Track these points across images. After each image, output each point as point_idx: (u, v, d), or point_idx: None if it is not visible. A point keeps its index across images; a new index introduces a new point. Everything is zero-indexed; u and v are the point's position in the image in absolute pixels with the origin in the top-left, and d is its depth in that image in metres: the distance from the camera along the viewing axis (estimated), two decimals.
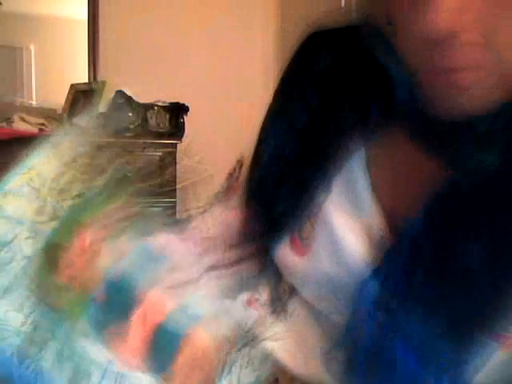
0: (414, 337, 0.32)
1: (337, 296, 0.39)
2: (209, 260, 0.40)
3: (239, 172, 0.49)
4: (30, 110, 2.12)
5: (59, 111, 2.23)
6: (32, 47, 2.33)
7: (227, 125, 2.41)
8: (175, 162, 2.10)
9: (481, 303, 0.32)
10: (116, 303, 0.35)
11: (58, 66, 2.37)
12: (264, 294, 0.44)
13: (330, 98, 0.42)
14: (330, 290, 0.40)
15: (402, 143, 0.40)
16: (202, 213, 0.47)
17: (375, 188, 0.40)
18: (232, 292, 0.40)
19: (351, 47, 0.43)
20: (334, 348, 0.37)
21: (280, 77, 0.47)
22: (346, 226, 0.40)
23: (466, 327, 0.32)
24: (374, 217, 0.39)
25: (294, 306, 0.44)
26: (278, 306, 0.43)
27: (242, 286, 0.42)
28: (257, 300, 0.43)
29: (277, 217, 0.42)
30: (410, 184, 0.39)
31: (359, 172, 0.41)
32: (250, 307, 0.42)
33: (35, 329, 0.34)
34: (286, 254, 0.42)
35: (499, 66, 0.32)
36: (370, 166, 0.41)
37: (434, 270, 0.33)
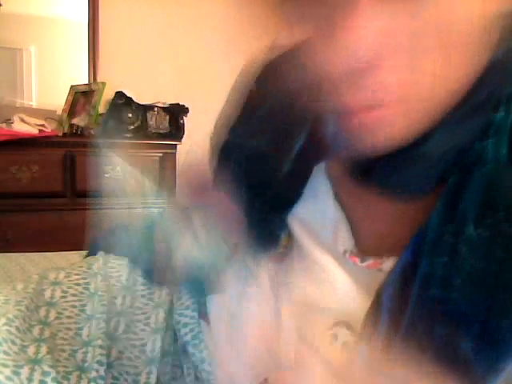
0: None
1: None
2: None
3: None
4: (29, 111, 2.12)
5: (59, 112, 2.23)
6: (32, 48, 2.33)
7: None
8: (175, 163, 2.10)
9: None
10: None
11: (58, 68, 2.37)
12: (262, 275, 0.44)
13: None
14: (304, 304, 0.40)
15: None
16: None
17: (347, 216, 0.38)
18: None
19: None
20: None
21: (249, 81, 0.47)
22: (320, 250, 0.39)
23: None
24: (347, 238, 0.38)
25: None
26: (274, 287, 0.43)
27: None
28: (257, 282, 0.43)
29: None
30: (377, 216, 0.37)
31: (328, 200, 0.40)
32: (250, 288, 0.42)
33: None
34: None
35: (420, 98, 0.28)
36: (340, 195, 0.40)
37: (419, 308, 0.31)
